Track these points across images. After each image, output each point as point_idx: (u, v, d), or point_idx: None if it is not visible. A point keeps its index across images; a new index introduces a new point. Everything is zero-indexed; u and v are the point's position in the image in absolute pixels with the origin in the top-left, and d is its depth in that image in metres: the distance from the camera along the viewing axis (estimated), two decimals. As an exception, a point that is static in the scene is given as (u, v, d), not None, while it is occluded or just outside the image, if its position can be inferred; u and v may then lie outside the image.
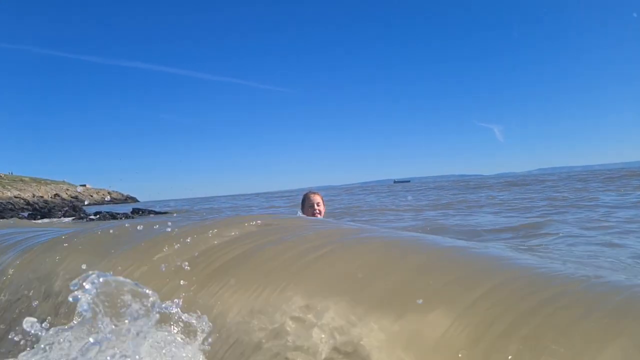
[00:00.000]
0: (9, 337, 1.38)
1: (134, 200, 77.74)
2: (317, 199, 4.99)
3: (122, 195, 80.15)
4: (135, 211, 17.12)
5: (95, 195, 72.91)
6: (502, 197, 12.98)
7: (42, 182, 70.32)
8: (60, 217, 17.87)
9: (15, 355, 1.16)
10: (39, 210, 20.53)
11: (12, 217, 19.73)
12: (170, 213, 17.10)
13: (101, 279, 1.09)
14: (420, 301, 1.15)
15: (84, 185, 78.23)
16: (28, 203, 54.50)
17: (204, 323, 1.23)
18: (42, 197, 60.07)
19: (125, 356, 1.03)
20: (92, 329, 1.07)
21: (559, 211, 7.29)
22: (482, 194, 16.03)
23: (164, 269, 1.53)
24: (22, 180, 64.94)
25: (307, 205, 5.00)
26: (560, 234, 4.23)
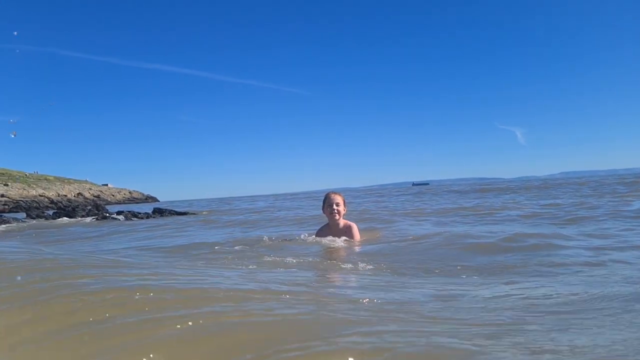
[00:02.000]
0: None
1: (154, 199, 78.98)
2: (337, 199, 5.03)
3: (143, 195, 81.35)
4: (157, 211, 17.27)
5: (117, 195, 74.27)
6: (526, 201, 12.67)
7: (66, 181, 71.74)
8: (84, 217, 18.18)
9: None
10: (63, 209, 20.91)
11: (37, 215, 20.15)
12: (191, 213, 17.21)
13: None
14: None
15: (106, 185, 79.74)
16: (52, 202, 55.80)
17: None
18: (65, 195, 61.41)
19: None
20: None
21: (586, 217, 7.08)
22: (506, 197, 15.68)
23: None
24: (46, 179, 66.33)
25: (326, 204, 5.06)
26: (587, 253, 3.85)
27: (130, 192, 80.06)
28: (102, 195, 67.73)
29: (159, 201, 78.19)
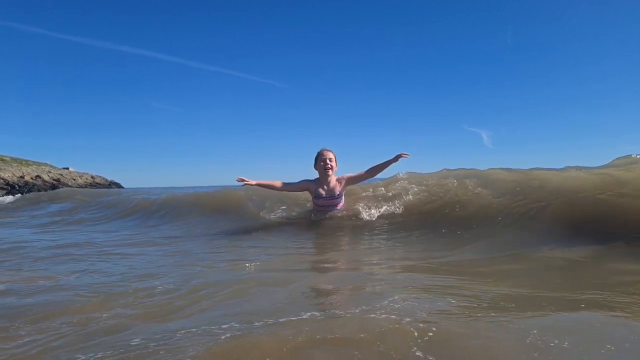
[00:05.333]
0: None
1: (118, 186, 75.91)
2: (329, 155, 4.96)
3: (106, 180, 78.16)
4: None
5: (78, 179, 71.13)
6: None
7: (24, 162, 68.43)
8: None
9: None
10: (18, 190, 19.74)
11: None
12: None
13: None
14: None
15: (67, 168, 76.38)
16: (7, 183, 53.18)
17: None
18: (22, 177, 58.54)
19: None
20: None
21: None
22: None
23: None
24: (2, 160, 63.14)
25: (319, 160, 4.97)
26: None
27: (92, 177, 76.50)
28: (62, 179, 64.78)
29: (123, 188, 75.68)
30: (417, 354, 1.29)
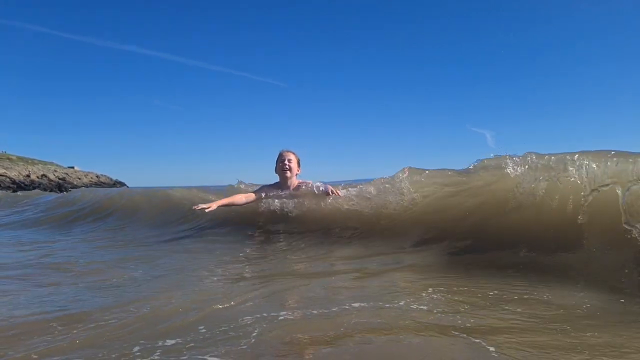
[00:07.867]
0: None
1: (123, 185, 76.34)
2: (288, 155, 4.64)
3: (111, 179, 78.39)
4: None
5: (83, 178, 71.33)
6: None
7: (30, 161, 68.66)
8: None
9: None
10: (23, 189, 19.93)
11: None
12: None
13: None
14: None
15: (73, 167, 76.76)
16: (14, 182, 53.44)
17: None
18: (28, 176, 58.86)
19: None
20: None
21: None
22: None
23: None
24: (9, 159, 63.42)
25: (278, 161, 4.68)
26: None
27: (97, 176, 76.75)
28: (67, 178, 64.88)
29: (127, 187, 75.84)
30: (454, 332, 1.48)
